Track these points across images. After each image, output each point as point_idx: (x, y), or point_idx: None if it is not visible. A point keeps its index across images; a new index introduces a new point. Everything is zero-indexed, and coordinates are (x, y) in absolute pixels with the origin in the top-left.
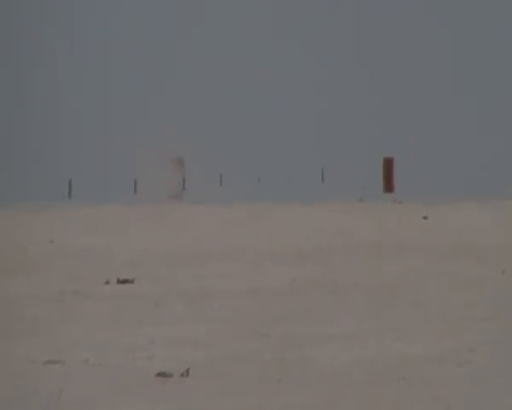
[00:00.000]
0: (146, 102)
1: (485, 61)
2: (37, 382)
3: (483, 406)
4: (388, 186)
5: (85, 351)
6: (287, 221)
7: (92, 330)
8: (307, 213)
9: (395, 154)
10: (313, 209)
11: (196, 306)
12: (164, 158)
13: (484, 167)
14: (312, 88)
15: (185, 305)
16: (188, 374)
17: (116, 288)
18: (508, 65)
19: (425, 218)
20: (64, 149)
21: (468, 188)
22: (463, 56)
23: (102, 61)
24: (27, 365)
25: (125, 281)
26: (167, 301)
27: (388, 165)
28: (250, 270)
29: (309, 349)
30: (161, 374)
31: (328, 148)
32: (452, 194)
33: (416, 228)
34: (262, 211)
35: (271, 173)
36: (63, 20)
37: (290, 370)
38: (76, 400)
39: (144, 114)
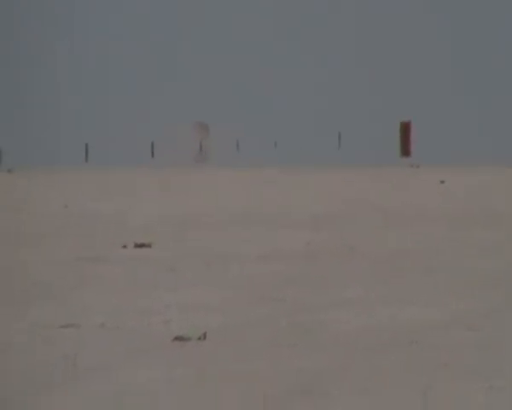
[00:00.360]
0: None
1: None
2: (53, 346)
3: (493, 371)
4: (405, 150)
5: (101, 315)
6: (302, 186)
7: (108, 294)
8: (323, 177)
9: (412, 118)
10: (329, 174)
11: (211, 270)
12: (187, 123)
13: (502, 133)
14: (330, 56)
15: (201, 270)
16: (205, 338)
17: (133, 252)
18: None
19: (442, 182)
20: (81, 113)
21: (486, 153)
22: (476, 19)
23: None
24: (42, 329)
25: (142, 245)
26: (183, 265)
27: (405, 129)
28: (264, 234)
29: (323, 314)
30: (179, 338)
31: (345, 112)
32: (469, 158)
33: (432, 193)
34: (277, 175)
35: (288, 138)
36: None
37: (304, 335)
38: (92, 364)
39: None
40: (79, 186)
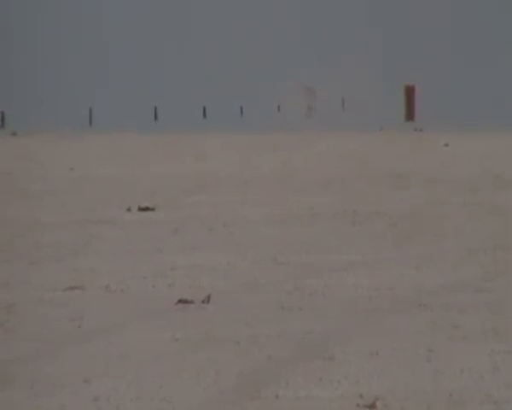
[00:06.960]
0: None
1: None
2: (58, 308)
3: (501, 332)
4: (409, 114)
5: (106, 278)
6: (307, 150)
7: (113, 257)
8: (328, 142)
9: (416, 81)
10: (334, 138)
11: (216, 234)
12: (297, 87)
13: (506, 96)
14: (332, 15)
15: (205, 233)
16: (209, 301)
17: (137, 215)
18: None
19: (446, 145)
20: (85, 76)
21: (490, 117)
22: None
23: None
24: (48, 291)
25: (146, 209)
26: (187, 228)
27: (410, 93)
28: (270, 198)
29: (329, 277)
30: (182, 301)
31: (349, 76)
32: (474, 123)
33: (436, 156)
34: (282, 140)
35: (291, 102)
36: None
37: (311, 298)
38: (96, 325)
39: None
40: (84, 150)
